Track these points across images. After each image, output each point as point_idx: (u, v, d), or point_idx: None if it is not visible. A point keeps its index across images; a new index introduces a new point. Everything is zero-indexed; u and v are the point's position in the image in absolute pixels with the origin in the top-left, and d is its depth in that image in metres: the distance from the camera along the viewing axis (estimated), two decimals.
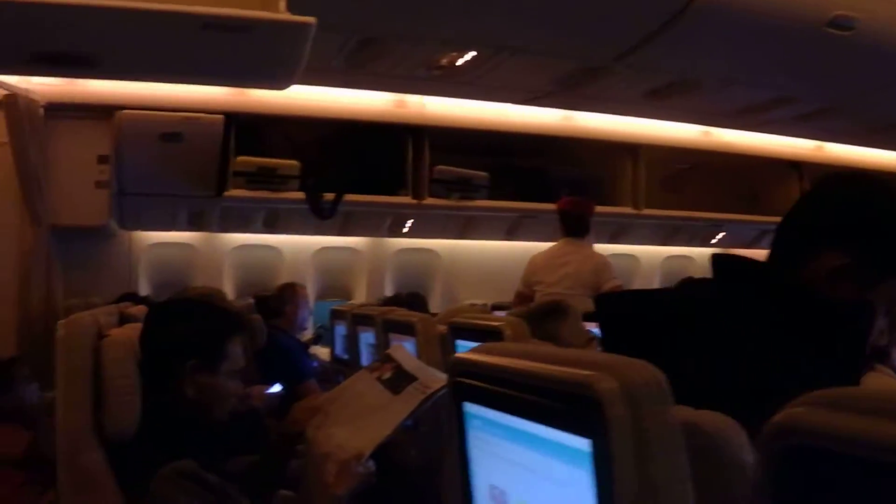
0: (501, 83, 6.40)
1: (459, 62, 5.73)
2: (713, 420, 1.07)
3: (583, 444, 0.97)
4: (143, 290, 7.13)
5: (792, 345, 1.40)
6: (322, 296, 7.92)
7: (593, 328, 4.39)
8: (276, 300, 6.02)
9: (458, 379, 1.31)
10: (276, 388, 4.72)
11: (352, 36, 5.05)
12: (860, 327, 1.45)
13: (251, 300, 6.09)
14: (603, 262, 5.93)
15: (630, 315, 1.65)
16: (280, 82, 5.36)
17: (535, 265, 6.04)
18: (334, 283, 8.32)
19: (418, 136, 7.34)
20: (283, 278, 7.41)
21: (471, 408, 1.28)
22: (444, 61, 5.73)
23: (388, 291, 8.17)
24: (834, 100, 7.20)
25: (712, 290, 1.64)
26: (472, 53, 5.59)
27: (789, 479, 0.76)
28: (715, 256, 1.69)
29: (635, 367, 0.96)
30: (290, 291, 6.14)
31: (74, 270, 6.75)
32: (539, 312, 3.19)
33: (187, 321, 2.47)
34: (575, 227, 6.09)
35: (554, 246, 6.13)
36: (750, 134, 8.70)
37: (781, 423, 0.76)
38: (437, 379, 2.71)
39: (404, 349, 2.93)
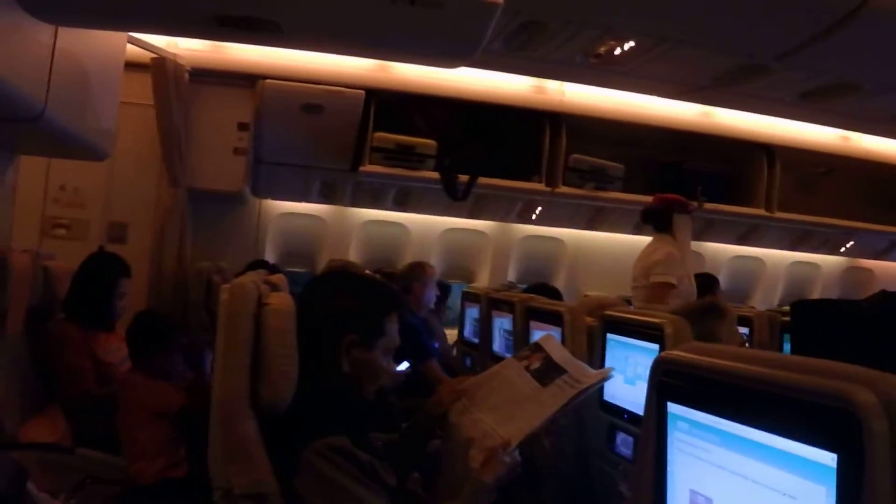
0: (656, 75, 6.28)
1: (617, 51, 5.62)
2: None
3: (827, 458, 0.93)
4: (270, 258, 7.20)
5: None
6: (444, 277, 7.91)
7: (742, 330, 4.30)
8: (404, 278, 6.02)
9: (664, 378, 1.26)
10: (404, 365, 4.72)
11: (515, 17, 4.99)
12: None
13: (377, 276, 6.10)
14: (661, 257, 5.81)
15: (829, 324, 1.60)
16: (457, 60, 5.34)
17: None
18: (458, 264, 8.31)
19: (556, 123, 7.26)
20: (409, 256, 7.46)
21: (677, 409, 1.24)
22: (602, 49, 5.63)
23: (512, 277, 8.14)
24: None
25: None
26: (632, 43, 5.48)
27: None
28: None
29: (892, 381, 0.91)
30: (420, 270, 6.13)
31: (204, 233, 6.86)
32: (697, 311, 3.11)
33: (349, 295, 2.45)
34: (658, 222, 6.03)
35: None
36: (889, 141, 8.43)
37: None
38: (588, 374, 2.66)
39: (555, 340, 2.88)
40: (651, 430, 1.29)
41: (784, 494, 1.00)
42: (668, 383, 1.26)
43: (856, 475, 0.88)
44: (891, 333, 1.48)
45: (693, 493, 1.20)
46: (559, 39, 5.42)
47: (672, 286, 5.59)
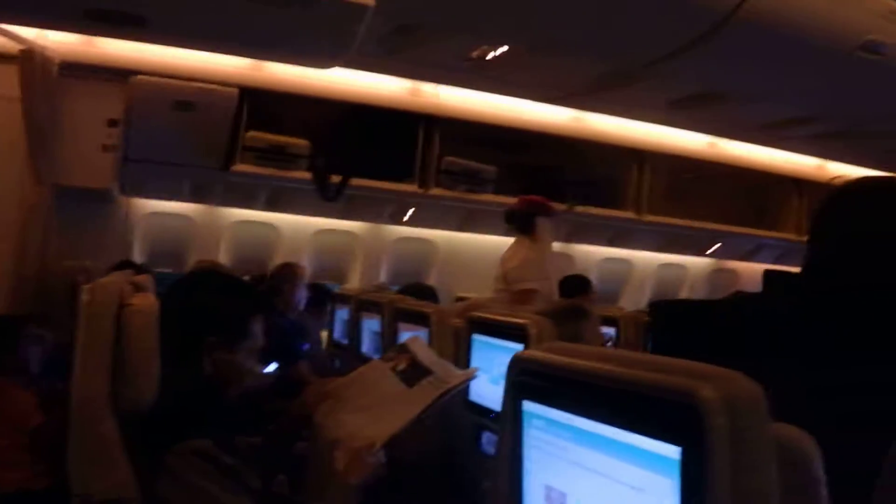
0: (528, 80, 6.39)
1: (490, 56, 5.67)
2: (792, 434, 1.05)
3: (672, 451, 0.96)
4: (138, 258, 7.06)
5: (865, 365, 1.42)
6: (316, 278, 7.86)
7: (608, 330, 4.39)
8: (274, 279, 5.98)
9: (520, 377, 1.29)
10: (271, 367, 4.68)
11: (390, 20, 5.00)
12: None
13: (247, 278, 6.04)
14: (518, 263, 5.93)
15: (688, 324, 1.66)
16: (328, 61, 5.33)
17: None
18: (330, 265, 8.28)
19: (430, 126, 7.31)
20: (280, 257, 7.39)
21: (532, 407, 1.26)
22: (476, 54, 5.67)
23: (384, 278, 8.14)
24: (855, 122, 7.23)
25: (777, 305, 1.61)
26: (505, 48, 5.54)
27: None
28: (773, 273, 1.69)
29: (734, 378, 0.95)
30: (290, 271, 6.10)
31: (70, 232, 6.67)
32: (561, 312, 3.17)
33: (212, 296, 2.43)
34: (520, 224, 6.13)
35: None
36: (754, 148, 8.76)
37: None
38: (454, 375, 2.68)
39: (422, 341, 2.89)
40: (507, 428, 1.31)
41: (633, 487, 1.02)
42: (523, 382, 1.29)
43: (698, 467, 0.91)
44: (738, 333, 1.54)
45: (548, 488, 1.22)
46: (433, 43, 5.47)
47: (535, 291, 5.68)
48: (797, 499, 1.02)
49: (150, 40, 5.60)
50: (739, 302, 1.76)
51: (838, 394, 1.39)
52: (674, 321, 1.74)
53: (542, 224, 6.07)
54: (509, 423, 1.31)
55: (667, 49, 5.43)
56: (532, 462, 1.27)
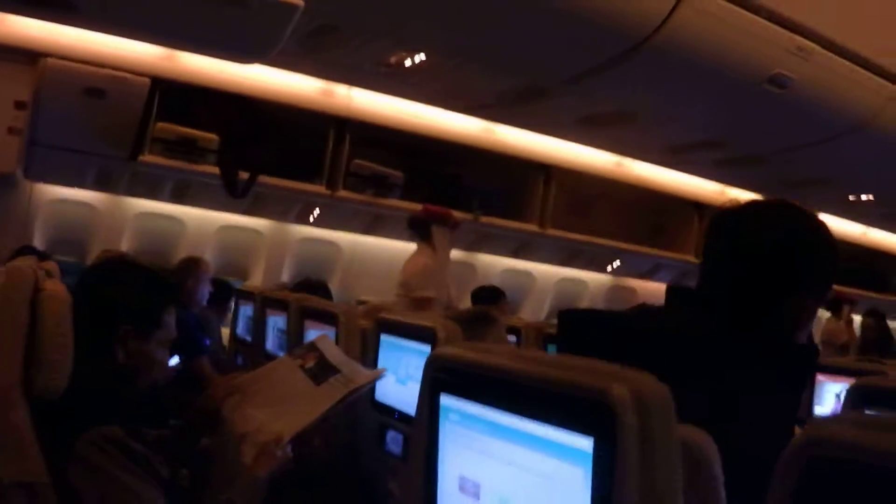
0: (444, 89, 6.45)
1: (408, 63, 5.73)
2: (694, 435, 1.13)
3: (584, 443, 1.03)
4: (38, 245, 6.92)
5: (759, 374, 1.57)
6: (218, 273, 7.80)
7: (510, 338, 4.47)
8: (177, 273, 5.93)
9: (439, 373, 1.35)
10: (173, 360, 4.66)
11: (311, 20, 5.00)
12: (814, 366, 1.64)
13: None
14: (417, 270, 6.07)
15: (590, 331, 1.75)
16: (254, 57, 5.30)
17: None
18: (233, 262, 8.21)
19: (341, 128, 7.30)
20: (183, 251, 7.31)
21: (448, 401, 1.32)
22: (394, 59, 5.72)
23: (286, 278, 8.11)
24: (758, 150, 7.48)
25: (681, 320, 1.72)
26: (422, 56, 5.60)
27: (810, 486, 0.85)
28: (675, 289, 1.81)
29: (644, 379, 1.02)
30: (193, 265, 6.06)
31: None
32: (469, 318, 3.24)
33: (127, 285, 2.44)
34: (419, 231, 6.30)
35: None
36: (659, 169, 8.95)
37: (810, 436, 0.86)
38: (362, 374, 2.74)
39: (330, 340, 2.94)
40: (424, 421, 1.37)
41: (545, 476, 1.09)
42: (441, 377, 1.35)
43: (609, 460, 0.98)
44: (645, 342, 1.63)
45: (462, 478, 1.28)
46: (352, 46, 5.50)
47: (431, 299, 5.78)
48: (697, 495, 1.10)
49: (70, 23, 5.51)
50: (644, 313, 1.86)
51: (735, 397, 1.50)
52: (580, 328, 1.82)
53: (439, 233, 6.19)
54: (426, 416, 1.37)
55: (582, 67, 5.55)
56: (447, 453, 1.33)
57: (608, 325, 1.79)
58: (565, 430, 1.05)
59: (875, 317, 9.44)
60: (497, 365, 1.21)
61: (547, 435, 1.08)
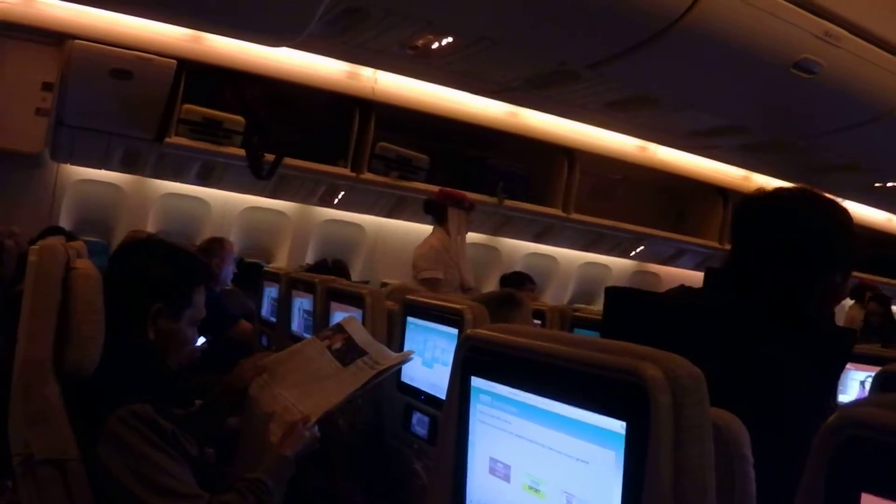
0: (470, 73, 6.43)
1: (435, 45, 5.73)
2: (724, 417, 1.14)
3: (617, 426, 1.04)
4: (65, 225, 6.96)
5: (794, 359, 1.59)
6: (243, 255, 7.83)
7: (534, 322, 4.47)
8: (202, 253, 5.94)
9: (470, 354, 1.36)
10: (200, 340, 4.68)
11: (339, 2, 5.00)
12: (849, 353, 1.67)
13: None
14: (423, 251, 6.21)
15: (638, 312, 1.78)
16: (283, 40, 5.29)
17: None
18: (257, 243, 8.25)
19: (366, 110, 7.28)
20: (208, 232, 7.35)
21: (480, 383, 1.34)
22: (421, 42, 5.71)
23: (310, 259, 8.13)
24: (784, 136, 7.43)
25: (721, 303, 1.76)
26: (450, 39, 5.60)
27: (843, 467, 0.85)
28: (713, 270, 1.85)
29: (677, 360, 1.03)
30: (218, 246, 6.08)
31: None
32: (495, 300, 3.24)
33: (159, 264, 2.45)
34: (436, 214, 6.40)
35: None
36: (683, 155, 8.92)
37: (843, 417, 0.86)
38: (388, 356, 2.75)
39: (357, 322, 2.96)
40: (455, 403, 1.38)
41: (577, 459, 1.10)
42: (472, 358, 1.36)
43: (642, 441, 0.99)
44: (687, 321, 1.66)
45: (493, 460, 1.29)
46: (379, 28, 5.49)
47: (438, 280, 5.81)
48: (726, 477, 1.11)
49: (98, 5, 5.52)
50: (685, 293, 1.89)
51: (771, 378, 1.52)
52: (625, 305, 1.85)
53: (454, 215, 6.23)
54: (456, 397, 1.38)
55: (608, 52, 5.52)
56: (477, 435, 1.34)
57: (652, 303, 1.83)
58: (597, 412, 1.06)
59: (880, 301, 9.38)
60: (529, 346, 1.22)
61: (579, 417, 1.09)
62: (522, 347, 1.23)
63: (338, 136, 7.40)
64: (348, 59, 6.78)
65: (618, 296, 1.90)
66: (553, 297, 9.46)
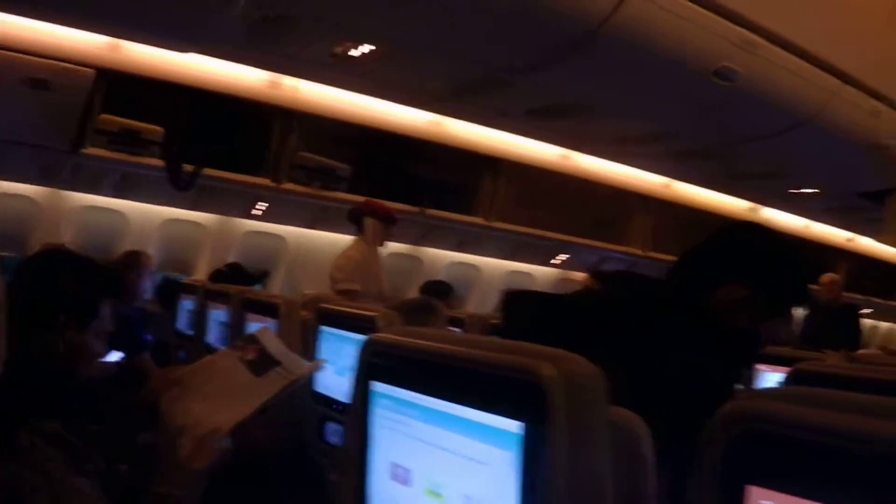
0: (391, 81, 6.41)
1: (354, 53, 5.68)
2: (625, 416, 1.13)
3: (514, 426, 1.02)
4: None
5: (695, 358, 1.59)
6: (162, 268, 7.71)
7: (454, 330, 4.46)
8: (118, 267, 5.84)
9: (371, 359, 1.34)
10: (115, 356, 4.61)
11: (257, 10, 4.93)
12: (753, 353, 1.69)
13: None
14: (341, 263, 6.22)
15: (538, 315, 1.77)
16: (193, 45, 5.23)
17: None
18: (177, 256, 8.12)
19: (287, 120, 7.23)
20: (127, 245, 7.21)
21: (380, 387, 1.32)
22: (340, 50, 5.64)
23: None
24: (706, 144, 7.55)
25: (622, 303, 1.77)
26: (371, 47, 5.55)
27: (735, 459, 0.86)
28: (619, 273, 1.88)
29: (574, 359, 1.02)
30: (135, 259, 5.97)
31: None
32: (411, 307, 3.25)
33: (64, 274, 2.40)
34: (357, 224, 6.41)
35: None
36: (606, 163, 8.99)
37: (734, 410, 0.87)
38: (301, 366, 2.72)
39: (271, 332, 2.91)
40: (357, 408, 1.36)
41: (476, 461, 1.09)
42: (374, 363, 1.34)
43: (539, 442, 0.98)
44: (589, 322, 1.66)
45: (394, 465, 1.27)
46: (299, 36, 5.42)
47: (355, 292, 5.80)
48: (627, 476, 1.10)
49: (15, 10, 5.39)
50: (587, 295, 1.89)
51: (671, 377, 1.53)
52: (523, 308, 1.84)
53: (372, 226, 6.22)
54: (358, 403, 1.36)
55: (532, 59, 5.53)
56: (379, 440, 1.32)
57: (553, 305, 1.82)
58: (495, 413, 1.05)
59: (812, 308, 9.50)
60: (426, 348, 1.20)
61: (477, 418, 1.08)
62: (421, 350, 1.22)
63: (259, 146, 7.34)
64: (269, 67, 6.69)
65: (517, 299, 1.89)
66: (476, 305, 9.46)
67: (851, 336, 8.53)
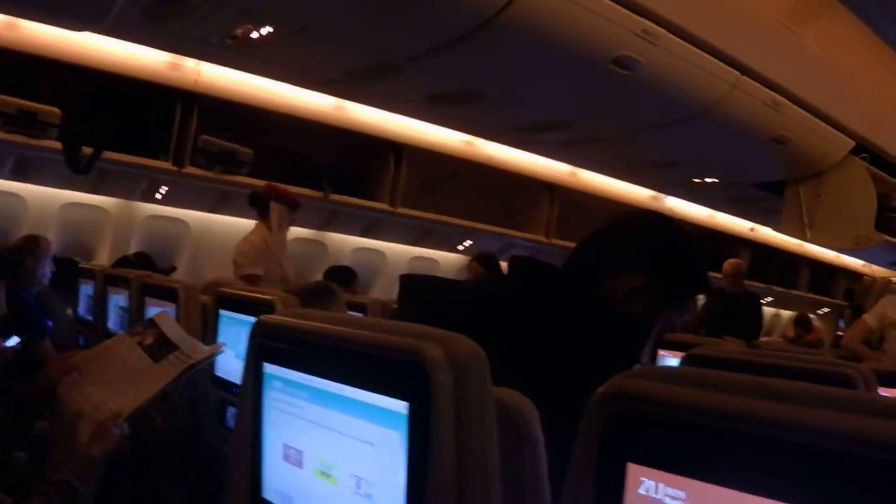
0: (292, 64, 6.34)
1: (255, 35, 5.61)
2: (512, 397, 1.15)
3: (400, 406, 1.04)
4: None
5: (585, 342, 1.63)
6: (63, 253, 7.56)
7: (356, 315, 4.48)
8: (15, 252, 5.72)
9: (262, 340, 1.35)
10: (13, 341, 4.53)
11: None
12: (641, 339, 1.71)
13: None
14: (244, 248, 6.18)
15: (431, 299, 1.79)
16: (85, 24, 5.12)
17: None
18: (77, 241, 7.95)
19: (188, 103, 7.12)
20: (24, 230, 7.06)
21: (272, 369, 1.33)
22: (240, 32, 5.58)
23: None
24: (606, 132, 7.64)
25: (517, 288, 1.79)
26: (270, 29, 5.49)
27: (613, 438, 0.88)
28: (517, 259, 1.88)
29: (459, 340, 1.04)
30: (33, 244, 5.83)
31: None
32: (309, 291, 3.25)
33: None
34: (259, 208, 6.38)
35: None
36: (510, 150, 9.05)
37: (610, 389, 0.89)
38: (200, 350, 2.72)
39: (169, 316, 2.91)
40: (249, 390, 1.38)
41: (365, 442, 1.10)
42: (265, 345, 1.35)
43: (425, 421, 1.00)
44: (486, 308, 1.68)
45: (286, 446, 1.29)
46: (197, 16, 5.33)
47: (258, 277, 5.79)
48: (518, 456, 1.14)
49: None
50: (484, 281, 1.92)
51: (559, 361, 1.56)
52: (419, 292, 1.87)
53: (276, 209, 6.21)
54: (251, 385, 1.37)
55: (428, 45, 5.53)
56: (271, 422, 1.34)
57: (448, 290, 1.85)
58: (382, 394, 1.07)
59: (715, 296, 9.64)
60: (315, 329, 1.22)
61: (365, 399, 1.09)
62: (309, 331, 1.23)
63: (160, 129, 7.22)
64: (169, 49, 6.58)
65: (413, 283, 1.91)
66: (381, 291, 9.47)
67: (753, 324, 8.71)
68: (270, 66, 6.43)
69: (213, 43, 5.89)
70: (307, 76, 6.80)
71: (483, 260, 6.34)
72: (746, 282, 11.84)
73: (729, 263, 8.63)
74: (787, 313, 15.20)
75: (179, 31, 5.68)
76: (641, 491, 0.84)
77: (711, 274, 9.10)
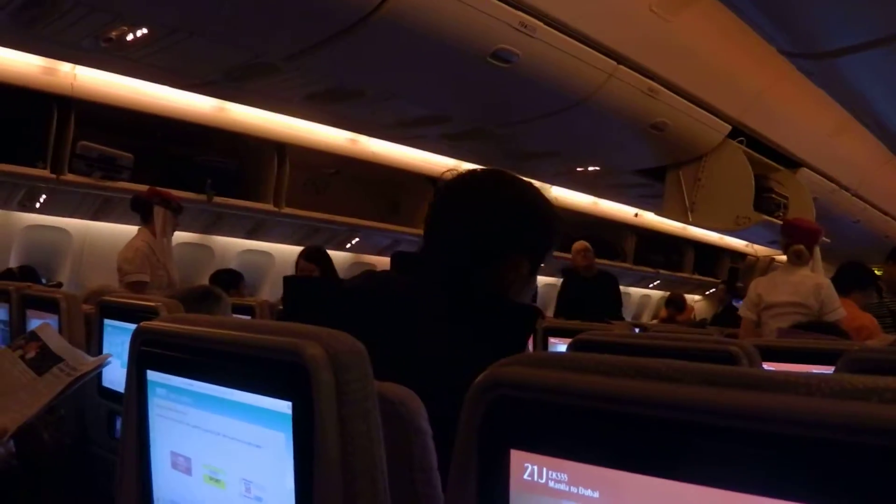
0: (168, 66, 6.23)
1: (130, 37, 5.49)
2: (397, 391, 1.16)
3: (283, 406, 1.04)
4: None
5: (470, 332, 1.61)
6: None
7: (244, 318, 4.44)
8: None
9: (143, 347, 1.33)
10: None
11: None
12: (530, 328, 1.70)
13: None
14: (128, 254, 6.18)
15: (317, 297, 1.78)
16: None
17: None
18: None
19: (65, 108, 6.95)
20: None
21: (155, 376, 1.32)
22: (115, 34, 5.46)
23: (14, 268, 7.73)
24: (485, 125, 7.69)
25: (398, 282, 1.77)
26: (144, 30, 5.39)
27: (494, 424, 0.88)
28: (397, 254, 1.86)
29: (338, 337, 1.04)
30: None
31: None
32: (193, 295, 3.22)
33: None
34: (141, 212, 6.43)
35: None
36: (393, 146, 9.06)
37: (489, 377, 0.89)
38: (85, 362, 2.66)
39: (51, 328, 2.84)
40: (133, 399, 1.35)
41: (251, 444, 1.10)
42: (146, 352, 1.33)
43: (308, 420, 1.00)
44: (373, 304, 1.68)
45: (174, 454, 1.27)
46: (69, 19, 5.22)
47: (144, 283, 5.72)
48: (407, 450, 1.14)
49: None
50: (368, 277, 1.92)
51: (443, 354, 1.56)
52: (302, 292, 1.86)
53: (159, 214, 6.15)
54: (134, 394, 1.35)
55: (304, 43, 5.49)
56: (157, 430, 1.32)
57: (331, 289, 1.84)
58: (265, 395, 1.07)
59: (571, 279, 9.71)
60: (195, 333, 1.21)
61: (249, 401, 1.09)
62: (190, 336, 1.22)
63: (36, 136, 7.04)
64: (42, 53, 6.42)
65: (295, 283, 1.90)
66: (270, 293, 9.40)
67: (613, 304, 8.87)
68: (147, 68, 6.31)
69: (87, 46, 5.76)
70: (185, 77, 6.70)
71: (311, 255, 6.34)
72: (633, 266, 12.04)
73: (578, 243, 8.77)
74: (656, 294, 15.51)
75: (52, 34, 5.55)
76: (526, 477, 0.85)
77: (562, 255, 9.15)
